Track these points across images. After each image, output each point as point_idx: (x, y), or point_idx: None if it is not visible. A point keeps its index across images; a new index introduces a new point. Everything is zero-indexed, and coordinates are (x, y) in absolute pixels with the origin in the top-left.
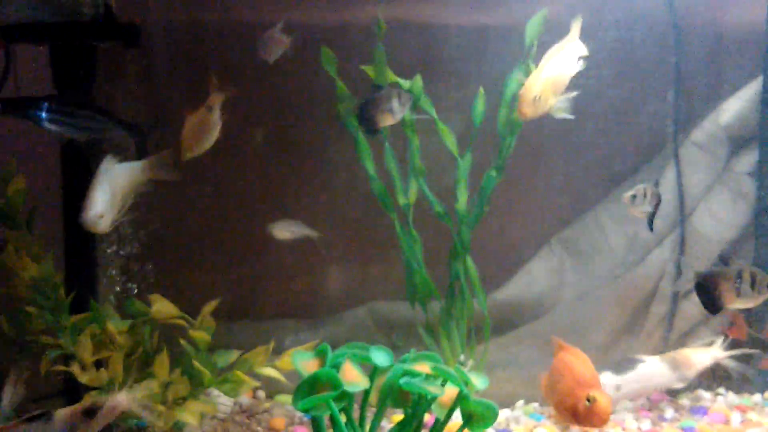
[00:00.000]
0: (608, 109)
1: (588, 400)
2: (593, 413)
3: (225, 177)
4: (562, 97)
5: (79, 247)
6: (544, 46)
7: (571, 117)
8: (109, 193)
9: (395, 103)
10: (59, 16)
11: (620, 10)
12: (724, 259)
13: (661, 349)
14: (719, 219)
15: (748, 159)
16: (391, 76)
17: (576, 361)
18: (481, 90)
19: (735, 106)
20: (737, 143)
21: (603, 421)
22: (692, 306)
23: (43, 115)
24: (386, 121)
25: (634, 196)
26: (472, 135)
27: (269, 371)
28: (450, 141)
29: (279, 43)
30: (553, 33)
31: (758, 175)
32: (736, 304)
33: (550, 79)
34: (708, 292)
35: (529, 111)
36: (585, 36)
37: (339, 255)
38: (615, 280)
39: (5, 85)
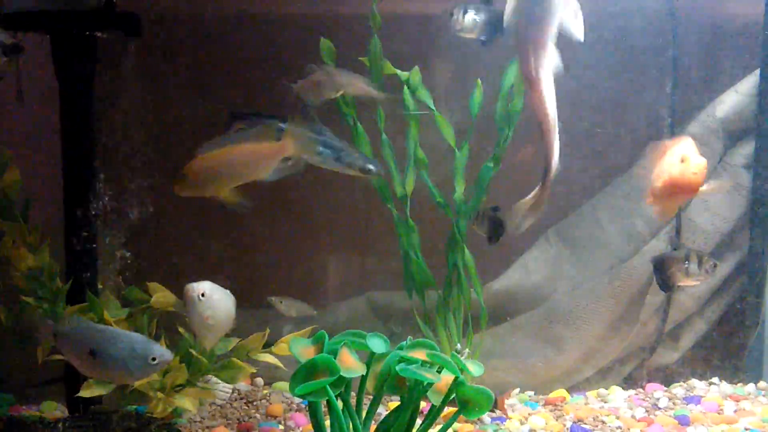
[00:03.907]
0: (605, 100)
1: (682, 161)
2: (687, 169)
3: None
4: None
5: (80, 235)
6: None
7: None
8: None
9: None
10: (60, 4)
11: (618, 1)
12: (673, 245)
13: (655, 339)
14: (715, 211)
15: (744, 152)
16: (390, 68)
17: (672, 143)
18: (479, 81)
19: (732, 99)
20: (734, 136)
21: (697, 176)
22: (687, 297)
23: None
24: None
25: (477, 217)
26: (470, 126)
27: (266, 357)
28: (447, 132)
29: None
30: None
31: (754, 167)
32: (684, 282)
33: None
34: (662, 272)
35: None
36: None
37: (338, 245)
38: (611, 271)
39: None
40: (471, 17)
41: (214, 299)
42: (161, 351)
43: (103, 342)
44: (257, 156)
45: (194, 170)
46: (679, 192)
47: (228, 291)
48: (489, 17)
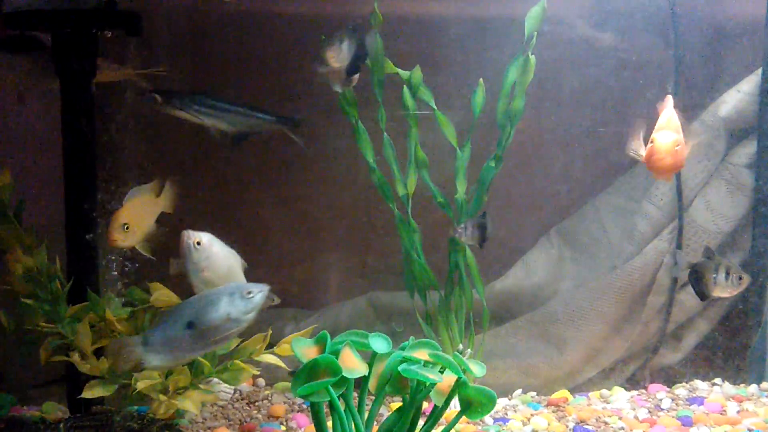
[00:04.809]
0: (607, 99)
1: (651, 142)
2: (653, 151)
3: (226, 165)
4: None
5: (81, 234)
6: (543, 37)
7: None
8: None
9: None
10: (62, 3)
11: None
12: (707, 254)
13: (658, 340)
14: (717, 211)
15: (747, 151)
16: (391, 67)
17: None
18: (481, 81)
19: (734, 98)
20: (736, 135)
21: (659, 160)
22: (689, 297)
23: None
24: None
25: (464, 228)
26: (471, 126)
27: (269, 358)
28: (449, 132)
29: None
30: (552, 24)
31: (756, 167)
32: (715, 292)
33: None
34: (700, 281)
35: None
36: (585, 25)
37: (339, 245)
38: (613, 271)
39: None
40: (346, 50)
41: (212, 251)
42: (252, 284)
43: (198, 307)
44: (153, 208)
45: (129, 215)
46: (650, 165)
47: (233, 250)
48: (357, 47)
